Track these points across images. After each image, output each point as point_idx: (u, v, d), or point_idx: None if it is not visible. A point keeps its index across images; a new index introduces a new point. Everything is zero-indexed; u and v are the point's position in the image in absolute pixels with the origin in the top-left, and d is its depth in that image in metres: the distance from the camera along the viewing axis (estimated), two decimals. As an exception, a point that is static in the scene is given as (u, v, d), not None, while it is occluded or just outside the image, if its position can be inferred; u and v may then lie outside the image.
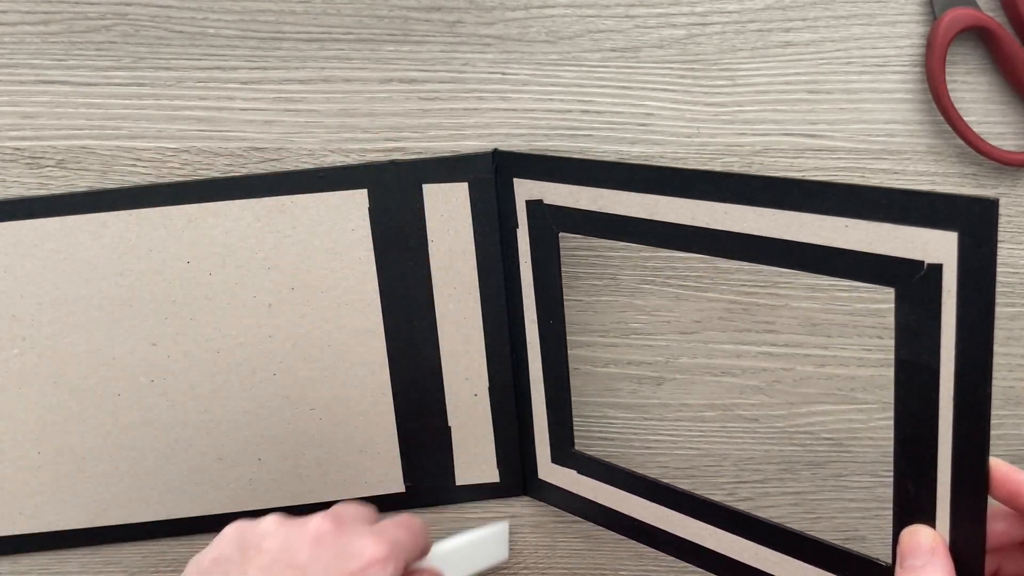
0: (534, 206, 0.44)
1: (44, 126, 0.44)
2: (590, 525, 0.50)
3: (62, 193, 0.44)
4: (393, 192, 0.45)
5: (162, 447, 0.47)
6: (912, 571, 0.33)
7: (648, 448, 0.50)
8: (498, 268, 0.46)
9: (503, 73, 0.45)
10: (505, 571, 0.51)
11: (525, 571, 0.51)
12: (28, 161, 0.44)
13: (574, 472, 0.47)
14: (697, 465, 0.50)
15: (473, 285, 0.46)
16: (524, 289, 0.46)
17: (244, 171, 0.45)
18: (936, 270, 0.32)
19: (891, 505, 0.36)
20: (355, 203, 0.45)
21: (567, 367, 0.46)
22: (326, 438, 0.47)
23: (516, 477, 0.49)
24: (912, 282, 0.33)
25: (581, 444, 0.49)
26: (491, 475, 0.49)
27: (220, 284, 0.45)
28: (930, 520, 0.34)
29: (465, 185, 0.45)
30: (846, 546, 0.39)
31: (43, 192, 0.45)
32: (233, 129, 0.45)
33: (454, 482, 0.49)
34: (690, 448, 0.50)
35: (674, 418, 0.49)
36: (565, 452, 0.47)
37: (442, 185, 0.45)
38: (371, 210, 0.45)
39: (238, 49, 0.44)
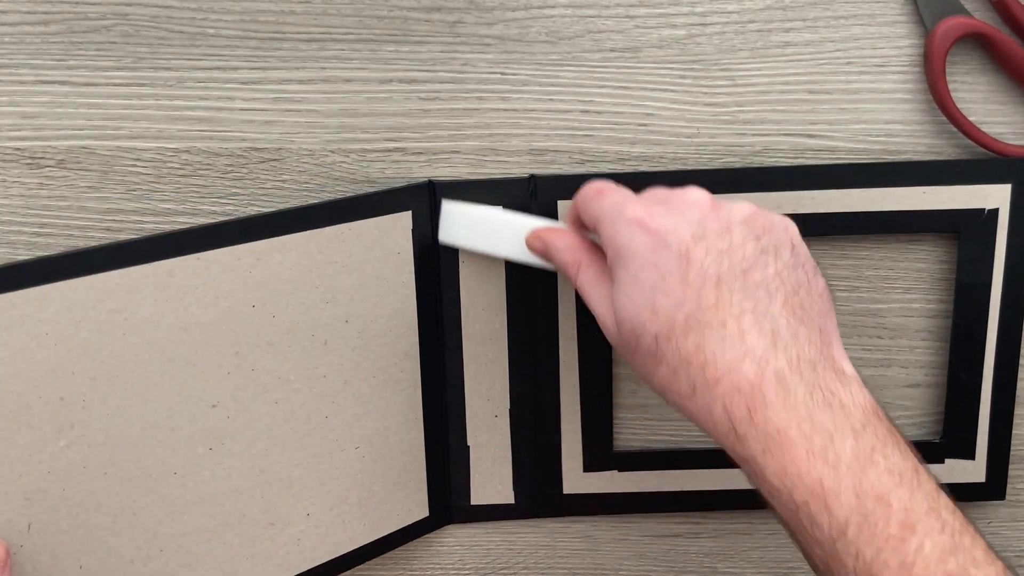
0: None
1: (44, 126, 0.44)
2: (590, 525, 0.50)
3: (123, 241, 0.39)
4: (430, 213, 0.45)
5: (216, 524, 0.42)
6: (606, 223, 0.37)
7: (648, 448, 0.50)
8: (527, 290, 0.46)
9: (503, 73, 0.45)
10: (505, 571, 0.51)
11: (525, 571, 0.51)
12: (28, 161, 0.44)
13: (614, 472, 0.49)
14: (697, 465, 0.50)
15: (501, 306, 0.46)
16: (561, 307, 0.46)
17: (244, 171, 0.45)
18: (994, 213, 0.45)
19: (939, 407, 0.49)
20: (401, 225, 0.44)
21: (611, 372, 0.48)
22: (367, 476, 0.46)
23: (531, 500, 0.49)
24: (975, 225, 0.46)
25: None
26: (507, 496, 0.49)
27: (283, 326, 0.42)
28: (976, 398, 0.48)
29: (500, 208, 0.45)
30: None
31: (106, 240, 0.42)
32: (233, 129, 0.45)
33: (469, 502, 0.49)
34: (690, 448, 0.50)
35: (674, 418, 0.49)
36: (603, 455, 0.48)
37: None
38: (414, 231, 0.45)
39: (238, 49, 0.44)
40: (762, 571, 0.52)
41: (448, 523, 0.49)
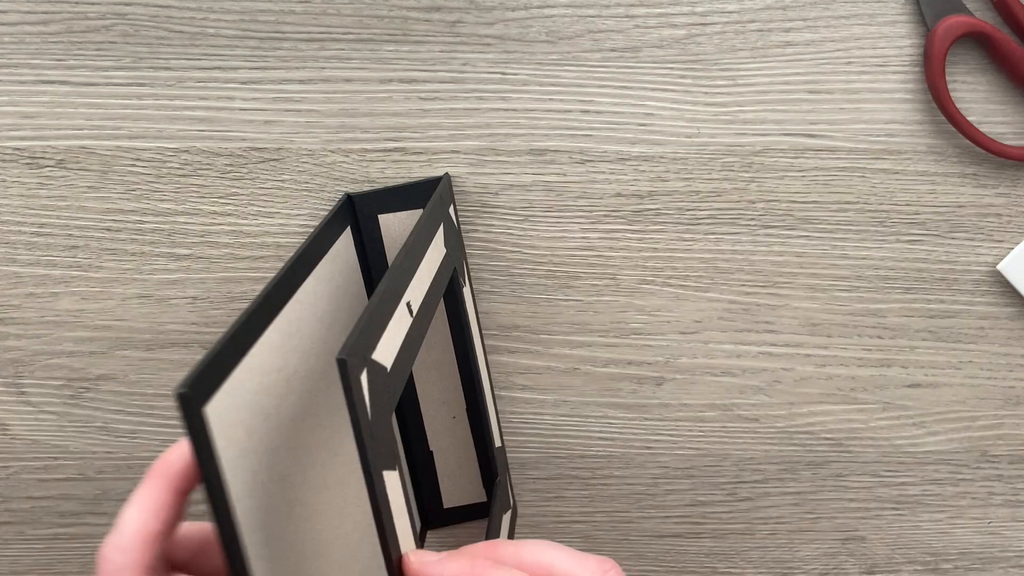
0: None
1: (44, 126, 0.44)
2: (590, 525, 0.50)
3: None
4: (355, 225, 0.45)
5: None
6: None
7: (648, 448, 0.50)
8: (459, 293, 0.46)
9: (503, 73, 0.45)
10: (505, 571, 0.51)
11: (525, 571, 0.51)
12: (28, 161, 0.44)
13: None
14: (697, 465, 0.50)
15: (441, 308, 0.46)
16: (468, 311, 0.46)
17: (244, 171, 0.45)
18: None
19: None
20: (347, 244, 0.44)
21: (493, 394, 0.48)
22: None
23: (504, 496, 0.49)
24: None
25: (580, 445, 0.49)
26: (479, 495, 0.49)
27: None
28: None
29: (419, 212, 0.45)
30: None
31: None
32: (233, 129, 0.45)
33: (442, 505, 0.49)
34: (690, 448, 0.50)
35: (674, 418, 0.49)
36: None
37: (399, 214, 0.45)
38: (356, 245, 0.45)
39: (238, 49, 0.44)
40: (762, 571, 0.52)
41: (424, 529, 0.49)
